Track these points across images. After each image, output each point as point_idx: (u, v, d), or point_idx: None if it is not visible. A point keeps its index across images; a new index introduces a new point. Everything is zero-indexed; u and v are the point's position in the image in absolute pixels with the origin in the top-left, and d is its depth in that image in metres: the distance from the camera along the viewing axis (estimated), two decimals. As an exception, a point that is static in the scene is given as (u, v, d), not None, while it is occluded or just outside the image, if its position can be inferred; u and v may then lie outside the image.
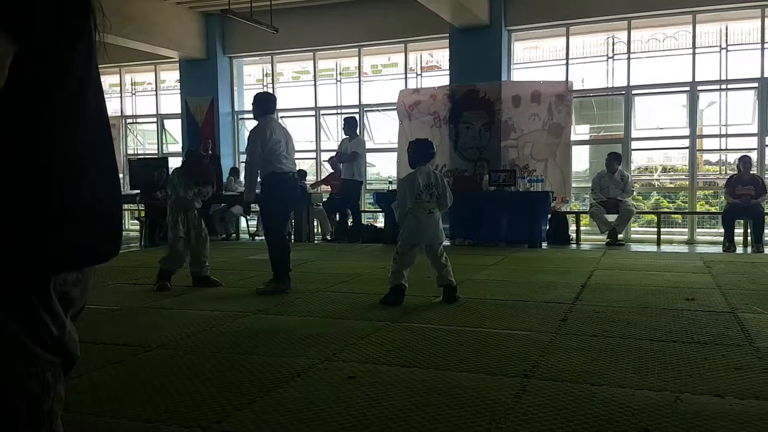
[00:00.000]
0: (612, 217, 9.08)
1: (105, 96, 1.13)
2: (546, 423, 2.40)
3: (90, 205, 1.03)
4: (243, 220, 11.12)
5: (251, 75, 12.51)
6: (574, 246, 9.07)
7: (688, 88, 9.56)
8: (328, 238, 10.06)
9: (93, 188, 1.03)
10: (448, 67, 10.40)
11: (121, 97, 13.15)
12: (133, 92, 13.24)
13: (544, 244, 8.88)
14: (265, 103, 5.38)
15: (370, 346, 3.54)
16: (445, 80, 10.47)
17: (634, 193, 9.64)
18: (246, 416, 2.51)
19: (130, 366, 3.24)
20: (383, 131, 11.54)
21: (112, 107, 13.59)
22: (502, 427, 2.37)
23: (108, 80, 13.51)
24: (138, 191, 9.99)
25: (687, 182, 9.84)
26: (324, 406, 2.60)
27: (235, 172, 11.25)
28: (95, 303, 4.97)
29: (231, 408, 2.59)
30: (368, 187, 11.47)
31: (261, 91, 6.10)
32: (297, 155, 5.90)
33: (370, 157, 11.73)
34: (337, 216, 10.26)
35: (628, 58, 9.80)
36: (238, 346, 3.59)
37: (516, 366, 3.14)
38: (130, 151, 13.14)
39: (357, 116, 10.13)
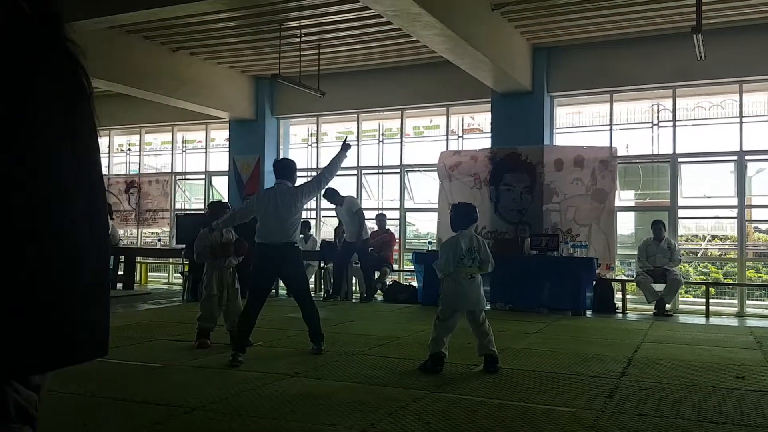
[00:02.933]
0: (659, 287, 8.85)
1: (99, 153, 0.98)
2: None
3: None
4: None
5: (296, 135, 12.84)
6: (619, 315, 8.82)
7: (735, 157, 9.40)
8: (365, 295, 10.03)
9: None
10: (489, 130, 10.50)
11: (172, 153, 13.61)
12: (184, 149, 13.69)
13: (589, 312, 8.67)
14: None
15: (409, 417, 3.47)
16: (486, 143, 10.56)
17: (682, 262, 9.40)
18: (283, 488, 2.47)
19: (172, 428, 3.25)
20: (423, 191, 11.63)
21: (163, 162, 14.09)
22: None
23: (160, 138, 14.06)
24: (183, 246, 10.19)
25: (736, 252, 9.56)
26: (362, 481, 2.55)
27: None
28: (135, 359, 5.04)
29: (268, 479, 2.56)
30: (408, 246, 11.49)
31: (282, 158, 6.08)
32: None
33: (410, 217, 11.80)
34: (376, 274, 10.26)
35: (674, 126, 9.73)
36: (277, 411, 3.57)
37: (560, 446, 3.03)
38: (177, 206, 13.49)
39: (331, 186, 9.61)
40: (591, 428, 3.35)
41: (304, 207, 5.53)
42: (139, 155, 14.11)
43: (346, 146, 5.65)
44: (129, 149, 14.42)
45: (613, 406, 3.79)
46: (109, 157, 14.42)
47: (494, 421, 3.43)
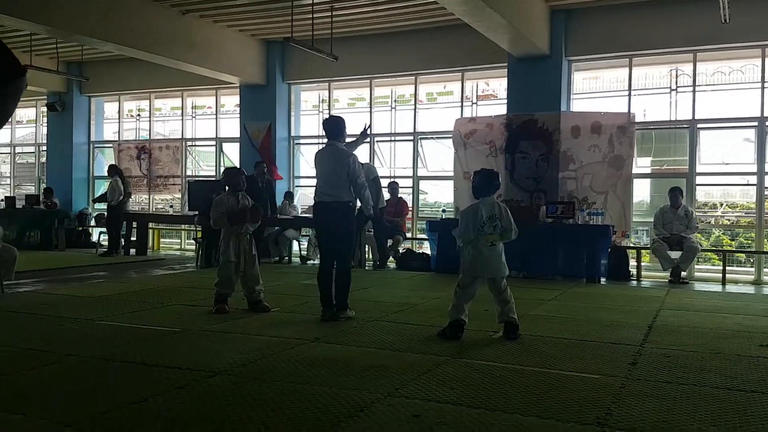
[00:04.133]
0: (675, 254, 8.77)
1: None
2: (627, 478, 2.26)
3: None
4: (295, 243, 11.19)
5: (307, 101, 12.69)
6: (634, 282, 8.77)
7: (755, 123, 9.22)
8: (378, 263, 9.99)
9: None
10: (505, 96, 10.32)
11: (182, 119, 13.51)
12: (194, 115, 13.58)
13: (603, 280, 8.62)
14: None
15: (433, 383, 3.45)
16: (501, 109, 10.39)
17: (699, 230, 9.30)
18: (312, 452, 2.45)
19: (195, 392, 3.23)
20: (437, 159, 11.51)
21: (173, 128, 14.01)
22: (580, 479, 2.25)
23: (170, 103, 13.94)
24: (196, 212, 10.15)
25: (754, 220, 9.44)
26: (391, 446, 2.53)
27: (289, 195, 11.37)
28: (155, 324, 5.04)
29: (297, 443, 2.54)
30: (420, 215, 11.42)
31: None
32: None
33: (423, 185, 11.71)
34: (389, 242, 10.23)
35: (693, 91, 9.53)
36: (299, 375, 3.56)
37: (588, 413, 2.99)
38: (188, 172, 13.43)
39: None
40: (618, 395, 3.31)
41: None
42: (150, 121, 14.02)
43: (364, 134, 5.72)
44: (139, 114, 14.33)
45: (637, 373, 3.75)
46: (119, 122, 14.34)
47: (518, 387, 3.40)
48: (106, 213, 11.94)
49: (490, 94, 11.32)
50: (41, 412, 2.91)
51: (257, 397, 3.14)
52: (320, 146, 5.73)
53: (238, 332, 4.76)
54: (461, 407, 3.05)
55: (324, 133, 5.59)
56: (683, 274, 8.77)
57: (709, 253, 10.04)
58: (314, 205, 5.52)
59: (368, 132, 5.76)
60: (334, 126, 5.48)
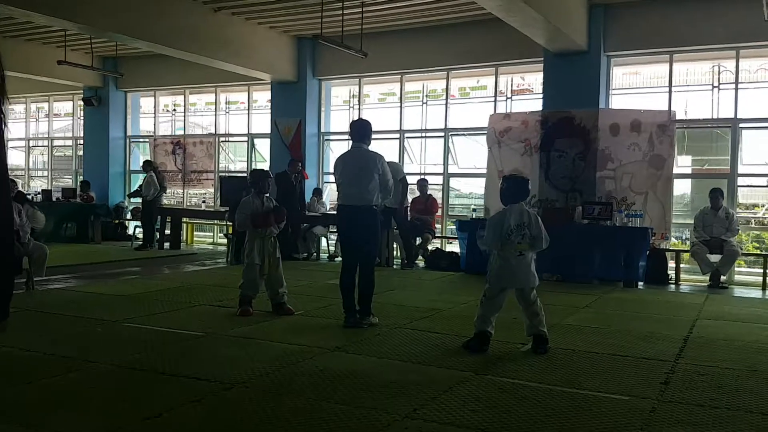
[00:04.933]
0: (715, 258, 8.45)
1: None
2: None
3: None
4: (324, 240, 11.16)
5: (338, 96, 12.61)
6: (672, 287, 8.49)
7: (801, 123, 8.81)
8: (406, 261, 9.88)
9: None
10: (540, 91, 10.06)
11: (215, 115, 13.58)
12: (227, 111, 13.64)
13: (640, 284, 8.35)
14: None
15: (453, 403, 3.33)
16: (536, 104, 10.14)
17: (740, 233, 8.96)
18: (322, 482, 2.37)
19: (211, 406, 3.19)
20: (468, 156, 11.32)
21: (207, 123, 14.10)
22: None
23: (204, 98, 14.03)
24: (227, 208, 10.20)
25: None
26: (404, 476, 2.43)
27: (318, 192, 11.33)
28: (179, 326, 5.04)
29: (307, 470, 2.46)
30: (450, 212, 11.26)
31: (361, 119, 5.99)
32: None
33: (454, 182, 11.54)
34: (418, 240, 10.13)
35: (736, 89, 9.15)
36: (316, 390, 3.48)
37: (615, 441, 2.85)
38: (221, 167, 13.52)
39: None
40: (647, 420, 3.15)
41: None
42: (184, 116, 14.14)
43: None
44: (174, 110, 14.46)
45: (669, 395, 3.58)
46: (155, 117, 14.51)
47: (545, 410, 3.26)
48: (141, 207, 12.09)
49: (525, 89, 11.06)
50: (54, 427, 2.89)
51: (272, 413, 3.07)
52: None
53: (260, 338, 4.72)
54: (481, 432, 2.93)
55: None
56: (723, 278, 8.46)
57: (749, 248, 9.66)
58: (339, 208, 5.42)
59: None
60: (361, 128, 5.39)
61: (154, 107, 14.52)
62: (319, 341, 4.64)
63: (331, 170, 11.77)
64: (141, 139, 14.79)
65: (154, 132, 14.49)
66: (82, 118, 14.98)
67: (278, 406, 3.18)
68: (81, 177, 14.56)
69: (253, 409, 3.15)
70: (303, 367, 3.94)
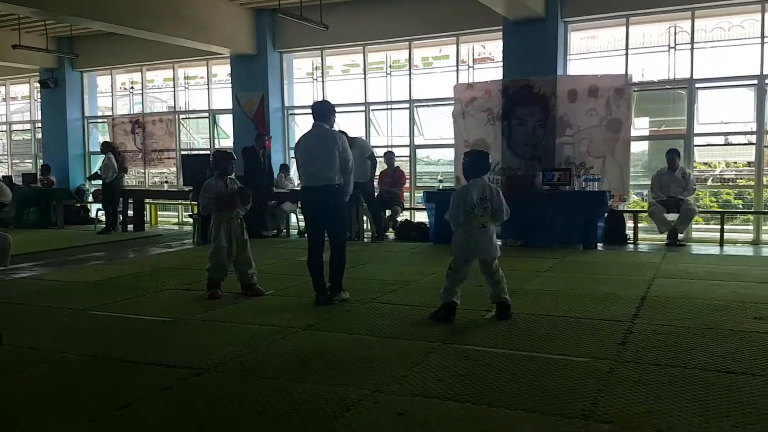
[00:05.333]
0: (672, 217, 8.72)
1: None
2: (608, 480, 2.27)
3: None
4: (293, 216, 11.17)
5: (301, 69, 12.49)
6: (631, 247, 8.75)
7: (755, 81, 9.04)
8: (376, 234, 9.97)
9: None
10: (501, 59, 10.12)
11: (174, 91, 13.34)
12: (186, 86, 13.41)
13: (600, 245, 8.59)
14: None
15: (422, 375, 3.44)
16: (498, 73, 10.20)
17: (697, 191, 9.23)
18: (295, 460, 2.45)
19: (180, 393, 3.24)
20: (433, 126, 11.37)
21: (166, 100, 13.85)
22: (560, 484, 2.25)
23: (162, 75, 13.75)
24: (191, 188, 10.11)
25: (753, 180, 9.34)
26: (374, 450, 2.53)
27: (285, 168, 11.29)
28: (147, 313, 5.05)
29: (280, 450, 2.55)
30: (417, 183, 11.35)
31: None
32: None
33: (420, 153, 11.60)
34: (387, 213, 10.21)
35: (692, 49, 9.32)
36: (288, 371, 3.56)
37: (574, 404, 2.99)
38: (183, 145, 13.33)
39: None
40: (605, 381, 3.31)
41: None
42: (142, 94, 13.86)
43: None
44: (132, 87, 14.16)
45: (626, 355, 3.75)
46: (112, 96, 14.19)
47: (507, 376, 3.40)
48: (102, 190, 11.91)
49: (486, 57, 11.09)
50: (24, 426, 2.92)
51: (244, 397, 3.14)
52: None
53: (230, 321, 4.77)
54: (448, 402, 3.05)
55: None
56: (680, 236, 8.74)
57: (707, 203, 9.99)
58: (302, 189, 5.43)
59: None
60: (322, 108, 5.39)
61: (111, 86, 14.20)
62: (290, 321, 4.71)
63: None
64: (99, 120, 14.48)
65: (113, 112, 14.19)
66: (39, 100, 14.59)
67: (250, 390, 3.25)
68: (41, 161, 14.25)
69: (224, 393, 3.21)
70: (274, 349, 4.01)
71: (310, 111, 5.54)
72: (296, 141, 5.48)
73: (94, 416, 2.95)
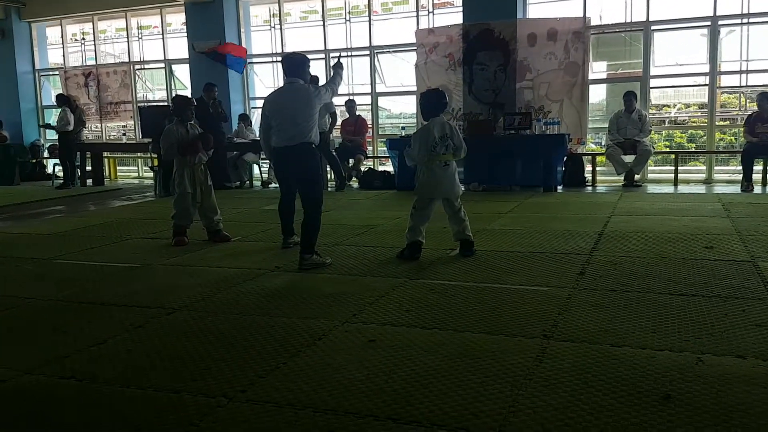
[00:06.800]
0: (629, 158, 8.96)
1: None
2: (567, 388, 2.41)
3: None
4: (255, 167, 11.09)
5: (258, 16, 12.20)
6: (589, 188, 8.99)
7: (709, 23, 9.21)
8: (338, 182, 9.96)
9: None
10: (461, 4, 10.06)
11: (128, 41, 12.93)
12: (140, 37, 13.00)
13: (560, 188, 8.80)
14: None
15: (389, 306, 3.56)
16: (458, 17, 10.16)
17: (652, 133, 9.47)
18: (270, 384, 2.55)
19: (154, 330, 3.29)
20: (395, 73, 11.32)
21: (120, 51, 13.42)
22: (523, 393, 2.39)
23: (114, 24, 13.29)
24: (150, 139, 9.93)
25: (706, 120, 9.62)
26: (346, 372, 2.64)
27: (245, 118, 11.14)
28: (114, 260, 5.04)
29: (255, 376, 2.63)
30: (380, 132, 11.34)
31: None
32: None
33: (383, 101, 11.56)
34: (350, 162, 10.21)
35: (648, -10, 9.42)
36: (260, 307, 3.63)
37: (535, 326, 3.15)
38: (139, 97, 13.01)
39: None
40: (564, 306, 3.47)
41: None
42: (94, 44, 13.39)
43: (339, 65, 5.09)
44: (83, 38, 13.66)
45: (584, 283, 3.93)
46: (63, 47, 13.68)
47: (471, 305, 3.54)
48: (58, 144, 11.60)
49: (446, 2, 11.02)
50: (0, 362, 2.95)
51: (217, 332, 3.21)
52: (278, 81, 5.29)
53: (198, 265, 4.80)
54: (415, 329, 3.17)
55: (283, 71, 4.94)
56: (637, 177, 9.00)
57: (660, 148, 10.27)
58: (274, 151, 4.90)
59: (341, 64, 5.09)
60: (293, 61, 4.84)
61: (62, 37, 13.67)
62: (258, 263, 4.76)
63: (257, 95, 11.41)
64: (51, 73, 13.97)
65: (64, 64, 13.70)
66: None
67: (223, 325, 3.32)
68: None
69: (198, 328, 3.28)
70: (244, 288, 4.07)
71: (272, 60, 5.30)
72: (264, 99, 5.04)
73: (67, 353, 2.98)
